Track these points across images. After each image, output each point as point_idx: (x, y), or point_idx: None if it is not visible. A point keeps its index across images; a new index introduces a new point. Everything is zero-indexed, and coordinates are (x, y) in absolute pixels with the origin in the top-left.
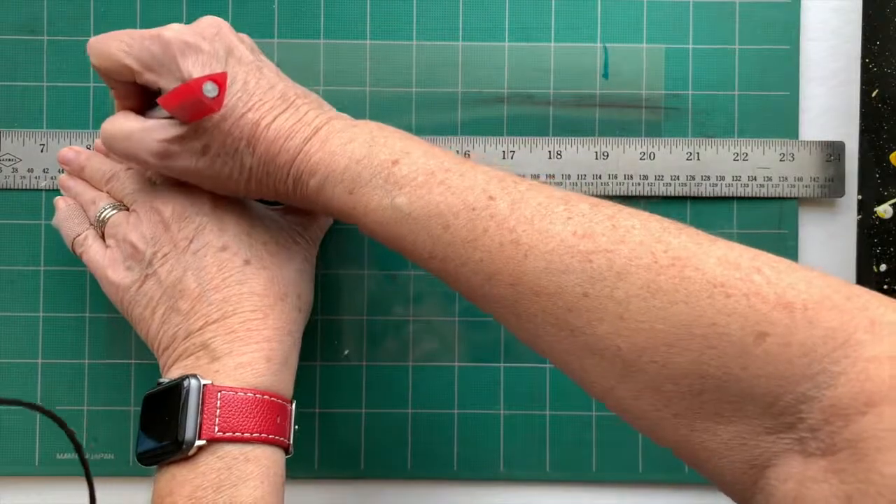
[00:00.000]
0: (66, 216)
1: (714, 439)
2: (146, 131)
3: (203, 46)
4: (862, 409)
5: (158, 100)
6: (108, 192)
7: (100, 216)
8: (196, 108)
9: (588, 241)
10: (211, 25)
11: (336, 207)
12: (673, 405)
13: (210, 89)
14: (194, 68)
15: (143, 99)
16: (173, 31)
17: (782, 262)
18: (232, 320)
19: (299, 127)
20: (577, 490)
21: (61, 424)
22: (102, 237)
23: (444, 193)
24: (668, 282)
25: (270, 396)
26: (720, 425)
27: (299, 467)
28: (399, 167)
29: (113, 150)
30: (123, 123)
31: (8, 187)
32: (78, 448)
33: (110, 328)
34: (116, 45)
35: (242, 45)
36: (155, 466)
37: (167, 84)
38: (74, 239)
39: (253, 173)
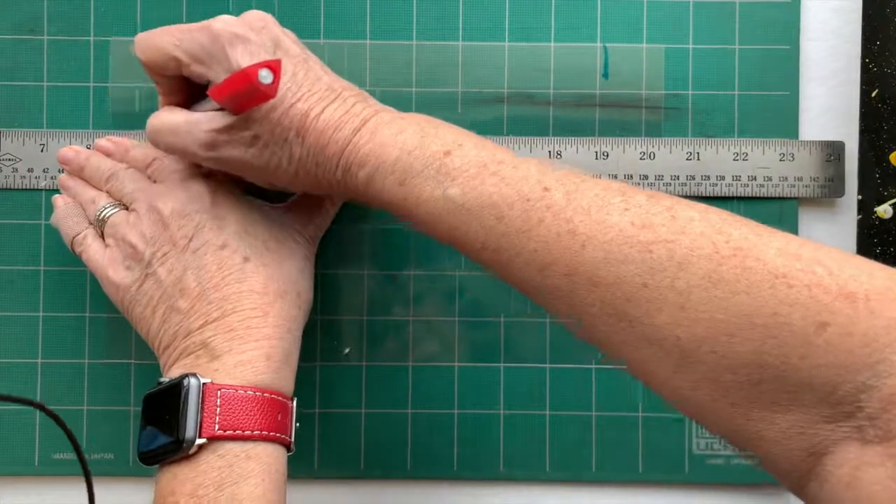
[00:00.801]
0: (65, 215)
1: (771, 428)
2: (194, 123)
3: (251, 37)
4: None
5: (210, 90)
6: (107, 192)
7: (99, 215)
8: (250, 96)
9: (647, 231)
10: (258, 18)
11: (386, 199)
12: (730, 395)
13: (265, 76)
14: (243, 58)
15: (188, 94)
16: (222, 23)
17: (842, 254)
18: (231, 318)
19: (348, 118)
20: (577, 490)
21: (60, 423)
22: (102, 236)
23: (498, 184)
24: (730, 272)
25: (271, 394)
26: (777, 414)
27: (299, 467)
28: (451, 158)
29: (159, 143)
30: (170, 116)
31: (8, 187)
32: (76, 447)
33: (110, 328)
34: (165, 38)
35: (288, 37)
36: (156, 466)
37: (215, 75)
38: (74, 238)
39: (302, 163)
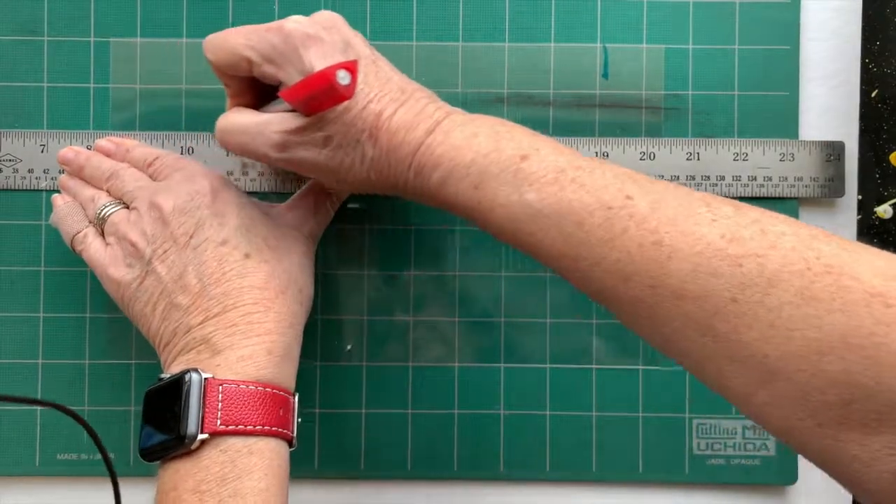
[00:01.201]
0: (65, 214)
1: (860, 449)
2: (265, 124)
3: (324, 37)
4: None
5: (283, 91)
6: (107, 191)
7: (99, 213)
8: (327, 97)
9: (737, 244)
10: (328, 18)
11: (459, 202)
12: (818, 414)
13: (343, 77)
14: (316, 59)
15: (257, 95)
16: (294, 23)
17: None
18: (232, 314)
19: (420, 119)
20: (577, 490)
21: (86, 426)
22: (102, 234)
23: (578, 191)
24: (824, 290)
25: (273, 389)
26: (868, 435)
27: (299, 467)
28: (528, 163)
29: (228, 144)
30: (239, 117)
31: (8, 188)
32: (103, 452)
33: (111, 328)
34: (236, 39)
35: (357, 39)
36: (157, 463)
37: (287, 76)
38: (74, 236)
39: (374, 165)
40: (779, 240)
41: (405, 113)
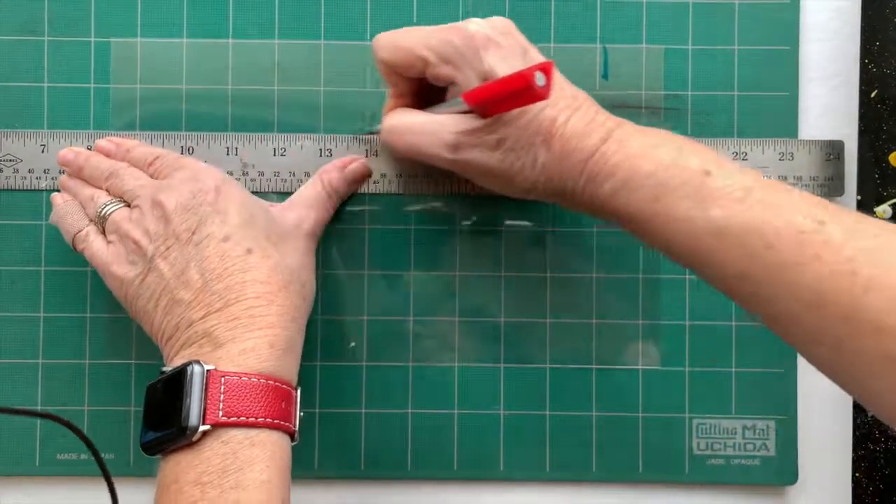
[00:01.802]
0: (65, 213)
1: None
2: (439, 124)
3: (502, 42)
4: None
5: (470, 92)
6: (107, 189)
7: (100, 212)
8: (522, 98)
9: None
10: (505, 24)
11: (632, 214)
12: None
13: (540, 78)
14: (496, 62)
15: (421, 96)
16: (476, 25)
17: None
18: (235, 308)
19: (594, 126)
20: (577, 490)
21: (84, 439)
22: (103, 232)
23: (766, 211)
24: None
25: (275, 381)
26: None
27: (299, 467)
28: (713, 178)
29: (396, 143)
30: (411, 117)
31: (9, 188)
32: (99, 461)
33: (111, 328)
34: (414, 38)
35: (530, 44)
36: (158, 457)
37: (465, 78)
38: (75, 235)
39: (545, 170)
40: None
41: (578, 120)
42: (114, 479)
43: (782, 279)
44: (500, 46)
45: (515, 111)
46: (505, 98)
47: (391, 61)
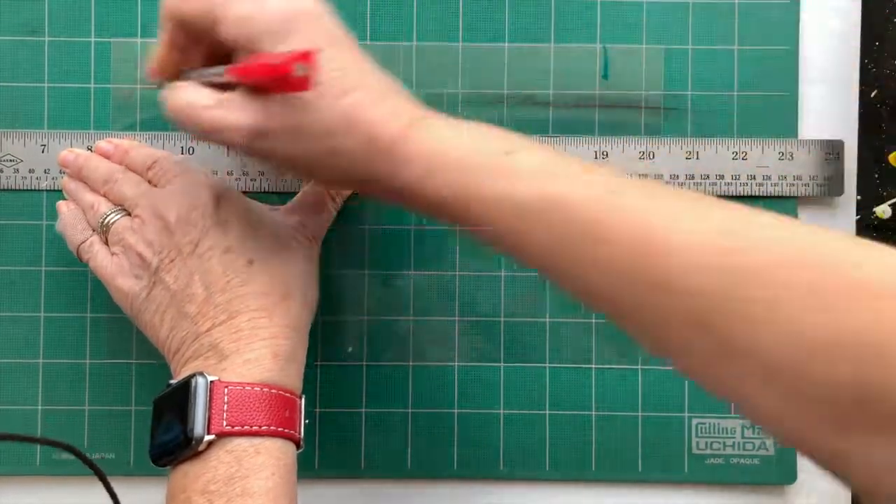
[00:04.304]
0: (70, 223)
1: (873, 453)
2: (236, 109)
3: (300, 21)
4: None
5: (232, 68)
6: (105, 195)
7: (102, 221)
8: (283, 85)
9: (732, 239)
10: (314, 4)
11: (440, 199)
12: (827, 415)
13: (301, 67)
14: (293, 42)
15: (195, 57)
16: (275, 2)
17: None
18: (238, 320)
19: (399, 113)
20: (577, 490)
21: (97, 471)
22: (106, 242)
23: (566, 186)
24: (829, 288)
25: (278, 390)
26: (879, 436)
27: (299, 467)
28: (514, 157)
29: (186, 124)
30: (198, 96)
31: (9, 188)
32: (108, 487)
33: (111, 328)
34: None
35: (339, 28)
36: (167, 468)
37: (259, 49)
38: (80, 245)
39: (347, 156)
40: (776, 233)
41: (383, 107)
42: (114, 479)
43: (585, 254)
44: (301, 26)
45: (312, 95)
46: (265, 82)
47: (178, 10)
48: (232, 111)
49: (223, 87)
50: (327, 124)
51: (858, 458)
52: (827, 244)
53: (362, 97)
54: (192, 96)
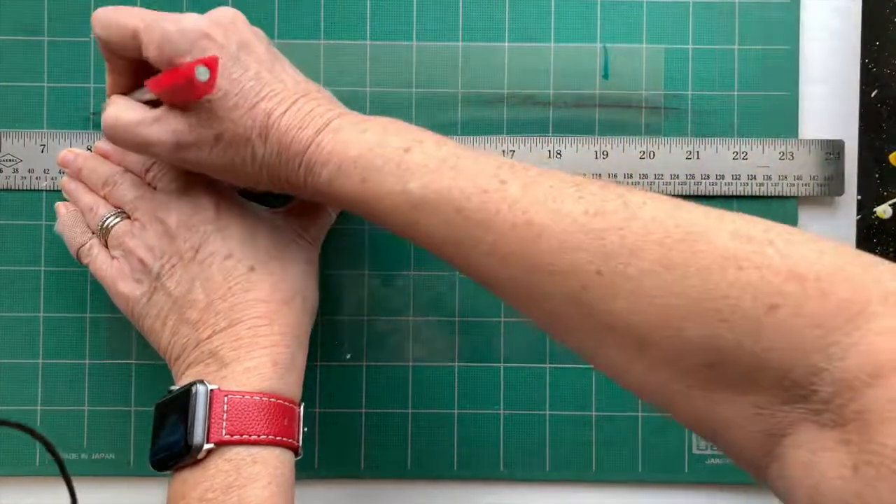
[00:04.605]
0: (69, 224)
1: (730, 410)
2: (159, 122)
3: (217, 36)
4: (868, 381)
5: (150, 80)
6: (105, 197)
7: (102, 225)
8: (187, 91)
9: (600, 218)
10: (226, 16)
11: (348, 197)
12: (688, 378)
13: (202, 72)
14: (204, 55)
15: (139, 76)
16: (192, 20)
17: (796, 234)
18: (238, 328)
19: (311, 118)
20: (577, 490)
21: (44, 441)
22: (106, 244)
23: (457, 178)
24: (681, 256)
25: (277, 399)
26: (736, 396)
27: (299, 467)
28: (411, 154)
29: (118, 141)
30: (128, 114)
31: (8, 188)
32: (61, 466)
33: (111, 328)
34: (129, 18)
35: (256, 38)
36: (168, 472)
37: (170, 66)
38: (79, 248)
39: (265, 163)
40: (639, 210)
41: (296, 112)
42: (113, 479)
43: (473, 239)
44: (213, 40)
45: (229, 103)
46: (173, 90)
47: (105, 38)
48: (155, 126)
49: (155, 103)
50: (242, 133)
51: (718, 417)
52: (683, 216)
53: (274, 105)
54: (122, 113)
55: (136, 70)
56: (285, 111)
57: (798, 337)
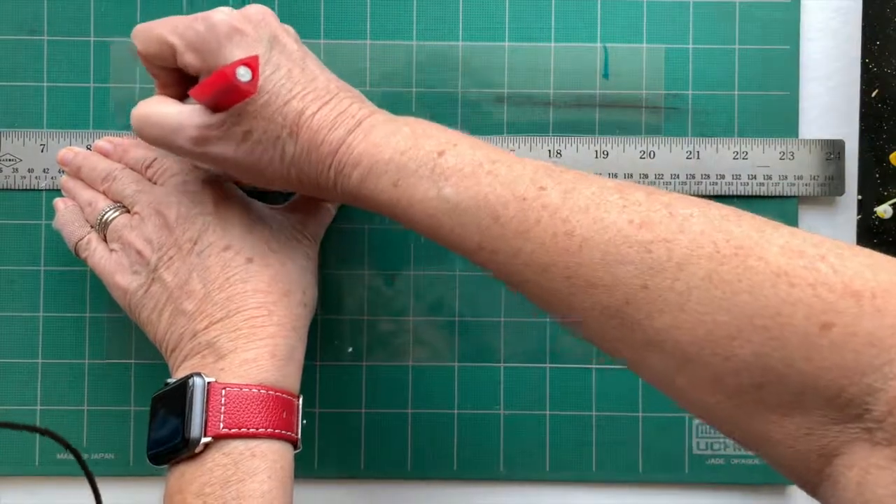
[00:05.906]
0: (67, 219)
1: (779, 430)
2: (184, 115)
3: (248, 31)
4: None
5: (194, 89)
6: (104, 192)
7: (101, 218)
8: (229, 94)
9: (646, 230)
10: (258, 12)
11: (379, 200)
12: (735, 397)
13: (243, 73)
14: (238, 52)
15: (186, 88)
16: (222, 14)
17: (847, 248)
18: (236, 318)
19: (343, 118)
20: (577, 490)
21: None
22: (104, 239)
23: (493, 184)
24: (731, 272)
25: (276, 391)
26: (784, 417)
27: (299, 467)
28: (445, 158)
29: (144, 134)
30: (158, 107)
31: (8, 187)
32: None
33: (110, 328)
34: (163, 27)
35: (286, 34)
36: (165, 466)
37: (208, 68)
38: (77, 242)
39: (294, 162)
40: (686, 222)
41: (328, 112)
42: (113, 479)
43: (511, 247)
44: (244, 36)
45: (259, 101)
46: (216, 95)
47: (144, 51)
48: (184, 117)
49: None
50: (273, 131)
51: (765, 437)
52: (732, 230)
53: (307, 104)
54: (152, 106)
55: (182, 81)
56: (317, 110)
57: (852, 356)
